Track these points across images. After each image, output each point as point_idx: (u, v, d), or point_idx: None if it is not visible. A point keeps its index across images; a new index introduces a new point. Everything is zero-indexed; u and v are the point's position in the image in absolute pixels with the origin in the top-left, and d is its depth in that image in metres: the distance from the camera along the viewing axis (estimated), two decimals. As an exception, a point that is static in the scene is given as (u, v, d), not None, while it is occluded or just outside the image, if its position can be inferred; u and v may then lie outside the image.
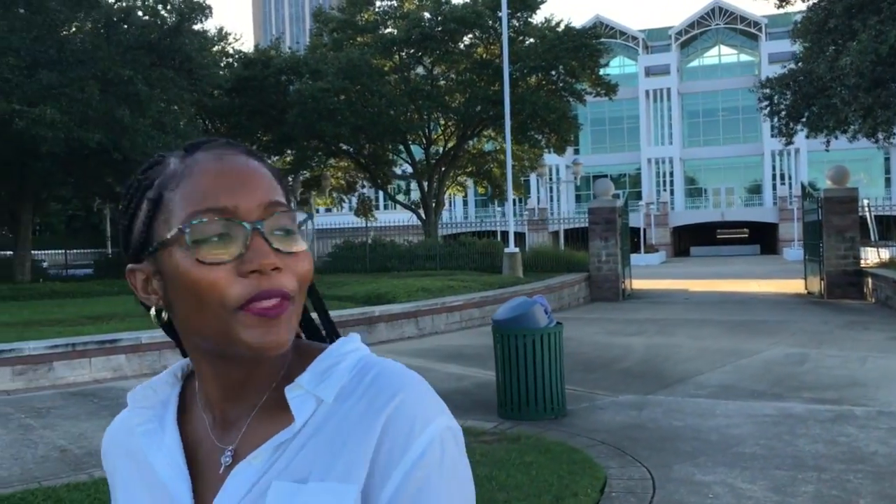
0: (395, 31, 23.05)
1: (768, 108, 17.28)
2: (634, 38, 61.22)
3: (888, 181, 54.62)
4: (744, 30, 58.26)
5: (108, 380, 8.59)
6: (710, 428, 6.03)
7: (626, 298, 19.08)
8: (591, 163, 61.72)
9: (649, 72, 59.37)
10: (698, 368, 8.63)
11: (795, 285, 19.94)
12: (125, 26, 16.20)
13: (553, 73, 23.62)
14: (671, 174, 58.10)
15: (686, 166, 59.36)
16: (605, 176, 62.01)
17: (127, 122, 15.09)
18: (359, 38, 25.06)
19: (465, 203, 61.99)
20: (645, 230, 50.47)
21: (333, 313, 11.00)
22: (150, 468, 0.82)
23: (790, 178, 52.78)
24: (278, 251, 0.74)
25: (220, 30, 27.04)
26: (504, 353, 6.64)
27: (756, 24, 57.34)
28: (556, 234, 44.58)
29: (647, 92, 58.83)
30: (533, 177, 52.52)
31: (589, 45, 22.90)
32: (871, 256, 21.42)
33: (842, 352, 9.52)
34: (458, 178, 29.65)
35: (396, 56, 24.26)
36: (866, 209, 22.65)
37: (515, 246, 19.64)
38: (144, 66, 16.34)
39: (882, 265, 18.78)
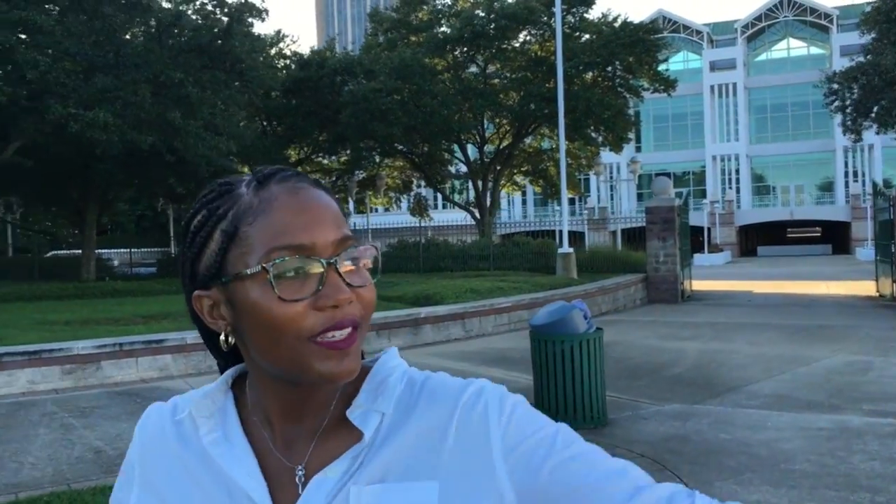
0: (448, 30, 22.87)
1: (835, 104, 16.48)
2: (699, 33, 59.69)
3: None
4: (814, 21, 56.18)
5: (155, 379, 8.71)
6: (760, 441, 5.71)
7: (685, 300, 18.56)
8: (654, 160, 60.44)
9: (714, 66, 57.82)
10: (753, 376, 8.24)
11: (866, 287, 19.06)
12: (176, 30, 16.46)
13: (609, 69, 23.11)
14: (737, 171, 56.46)
15: (753, 163, 57.60)
16: (667, 174, 60.96)
17: (178, 124, 15.34)
18: (412, 38, 25.00)
19: (524, 202, 61.52)
20: (709, 229, 49.16)
21: (379, 315, 10.98)
22: (215, 477, 0.83)
23: (863, 174, 50.68)
24: (350, 285, 0.77)
25: (278, 32, 27.45)
26: (541, 360, 6.43)
27: (827, 15, 55.23)
28: (616, 233, 43.81)
29: (711, 87, 57.31)
30: (593, 175, 51.73)
31: (646, 40, 22.31)
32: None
33: (910, 360, 8.98)
34: (514, 177, 29.33)
35: (449, 55, 24.11)
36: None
37: (570, 246, 19.30)
38: (195, 68, 16.59)
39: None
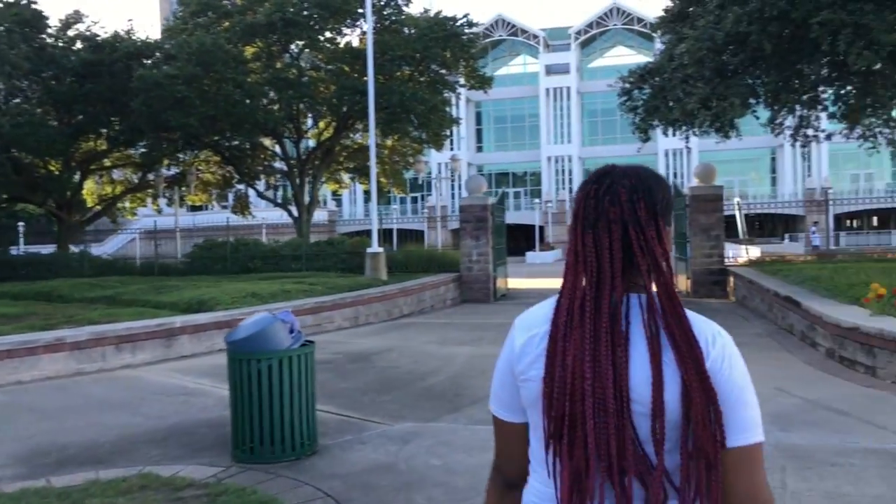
0: (258, 16, 21.46)
1: (627, 104, 16.69)
2: (535, 37, 61.11)
3: (773, 180, 56.28)
4: (640, 31, 58.93)
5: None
6: (468, 468, 5.02)
7: (497, 299, 18.33)
8: (495, 160, 61.56)
9: (550, 70, 59.42)
10: (506, 386, 7.67)
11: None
12: None
13: (429, 63, 22.53)
14: (570, 172, 58.30)
15: (586, 164, 59.65)
16: (507, 174, 62.09)
17: None
18: (226, 23, 23.30)
19: (367, 199, 60.70)
20: (542, 228, 50.33)
21: (122, 326, 9.59)
22: None
23: (683, 177, 53.68)
24: None
25: (76, 11, 24.94)
26: (237, 382, 5.48)
27: (653, 25, 58.07)
28: (456, 231, 43.87)
29: (547, 90, 58.86)
30: (434, 172, 51.70)
31: (459, 33, 21.90)
32: (743, 254, 21.40)
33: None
34: (337, 173, 28.25)
35: (261, 42, 22.66)
36: (736, 207, 22.76)
37: (380, 245, 18.56)
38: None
39: (750, 263, 18.62)
